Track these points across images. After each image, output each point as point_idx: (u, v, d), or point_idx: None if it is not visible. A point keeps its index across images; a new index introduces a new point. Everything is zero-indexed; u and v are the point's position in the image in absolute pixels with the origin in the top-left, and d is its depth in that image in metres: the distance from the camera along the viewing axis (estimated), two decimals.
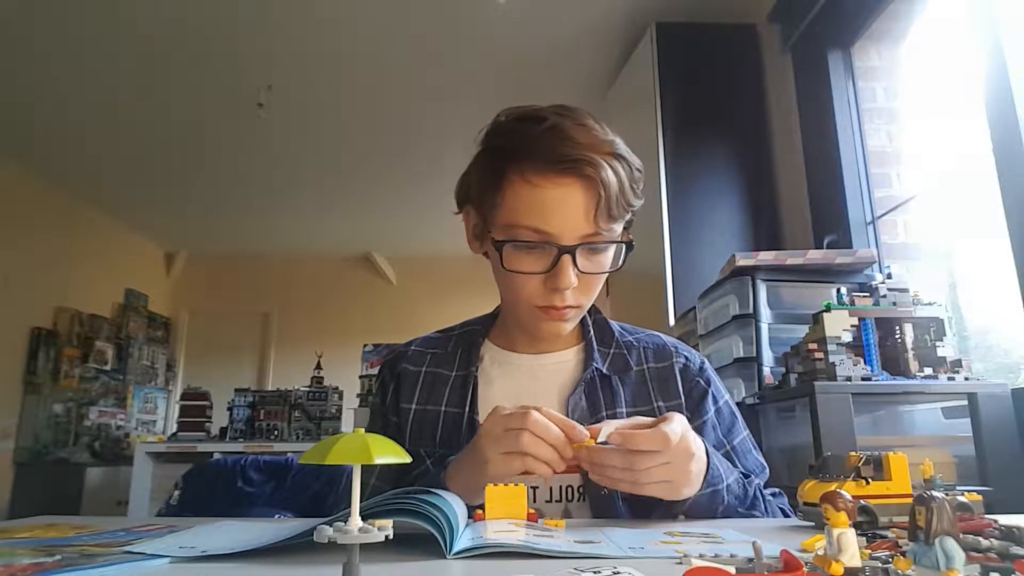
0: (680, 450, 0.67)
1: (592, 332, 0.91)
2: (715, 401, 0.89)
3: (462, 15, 2.87)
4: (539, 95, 3.21)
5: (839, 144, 2.08)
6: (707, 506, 0.73)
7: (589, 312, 0.92)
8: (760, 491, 0.81)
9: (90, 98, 3.51)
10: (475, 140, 0.83)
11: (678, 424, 0.68)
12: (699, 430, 0.86)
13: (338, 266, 6.22)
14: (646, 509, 0.77)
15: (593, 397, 0.85)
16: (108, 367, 5.08)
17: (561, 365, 0.89)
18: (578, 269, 0.77)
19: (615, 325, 0.95)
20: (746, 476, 0.81)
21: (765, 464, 0.89)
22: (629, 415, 0.83)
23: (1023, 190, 1.39)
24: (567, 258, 0.75)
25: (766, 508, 0.80)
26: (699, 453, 0.70)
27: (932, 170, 2.00)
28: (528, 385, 0.88)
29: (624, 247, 0.82)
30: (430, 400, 0.88)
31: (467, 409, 0.85)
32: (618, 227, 0.80)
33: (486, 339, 0.94)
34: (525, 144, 0.75)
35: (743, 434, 0.89)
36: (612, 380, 0.87)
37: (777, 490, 0.87)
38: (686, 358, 0.91)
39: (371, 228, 5.55)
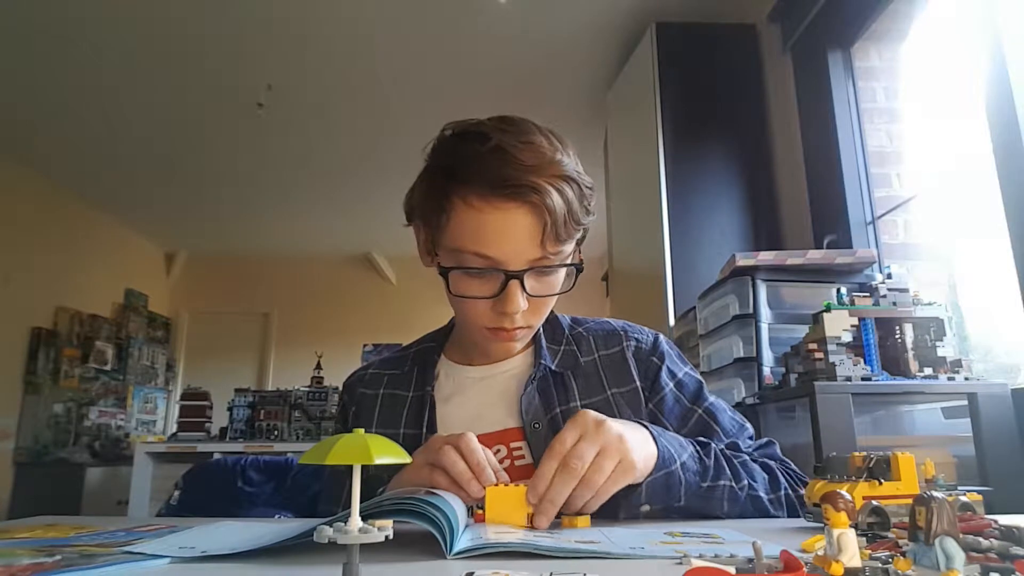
0: (590, 427, 0.66)
1: (542, 331, 0.91)
2: (673, 375, 0.89)
3: (462, 15, 2.87)
4: (539, 95, 3.21)
5: (839, 144, 2.08)
6: (663, 490, 0.70)
7: None
8: (722, 454, 0.77)
9: (90, 98, 3.51)
10: (422, 153, 0.81)
11: (568, 428, 0.67)
12: (659, 406, 0.86)
13: (338, 266, 6.22)
14: (610, 508, 0.75)
15: (546, 394, 0.85)
16: (108, 367, 5.08)
17: (513, 371, 0.89)
18: (527, 293, 0.75)
19: (565, 319, 0.94)
20: (703, 446, 0.77)
21: (744, 421, 0.88)
22: (584, 407, 0.82)
23: (1023, 190, 1.39)
24: (515, 283, 0.74)
25: (742, 471, 0.75)
26: (633, 438, 0.68)
27: (932, 170, 2.00)
28: (483, 396, 0.88)
29: (575, 269, 0.80)
30: (389, 423, 0.88)
31: (424, 430, 0.85)
32: (568, 247, 0.77)
33: (441, 355, 0.94)
34: (467, 166, 0.73)
35: (712, 398, 0.88)
36: (564, 376, 0.87)
37: (766, 439, 0.86)
38: (637, 340, 0.91)
39: (371, 228, 5.55)
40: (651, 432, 0.71)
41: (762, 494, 0.76)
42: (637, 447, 0.67)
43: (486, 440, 0.83)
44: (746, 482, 0.75)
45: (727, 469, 0.75)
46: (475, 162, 0.72)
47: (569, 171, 0.74)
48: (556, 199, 0.72)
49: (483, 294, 0.76)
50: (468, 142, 0.75)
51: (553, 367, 0.87)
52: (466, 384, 0.90)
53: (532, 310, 0.78)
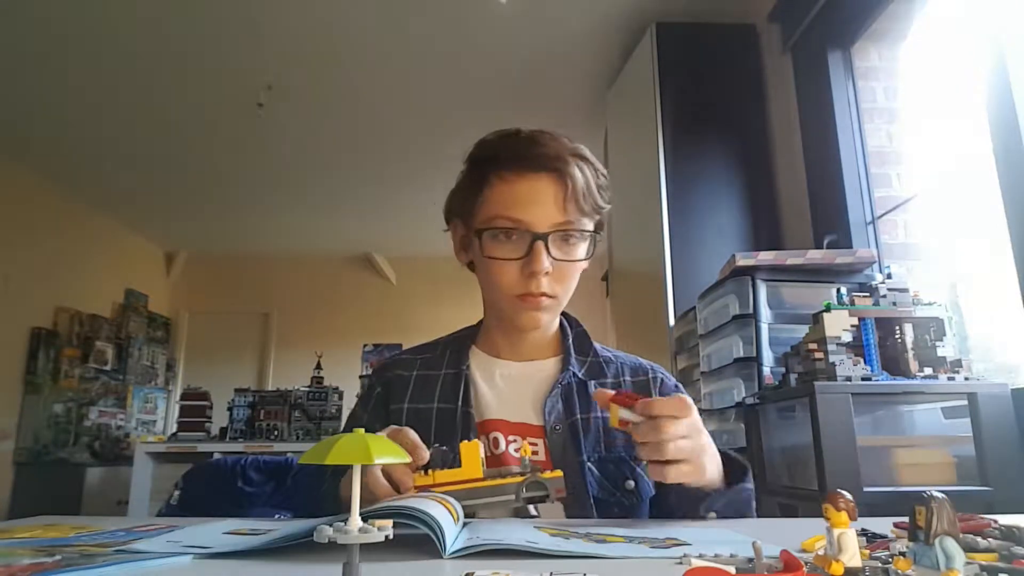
0: (694, 426, 0.70)
1: (571, 341, 0.96)
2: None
3: (463, 15, 2.87)
4: (539, 95, 3.20)
5: (839, 144, 2.08)
6: (738, 500, 0.76)
7: (570, 324, 0.98)
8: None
9: (90, 98, 3.51)
10: (463, 159, 0.91)
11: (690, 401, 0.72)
12: None
13: (338, 266, 6.22)
14: (624, 511, 0.78)
15: (569, 401, 0.89)
16: (108, 367, 5.08)
17: (541, 373, 0.93)
18: (552, 256, 0.83)
19: (597, 344, 0.99)
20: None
21: None
22: (605, 420, 0.86)
23: (1023, 190, 1.39)
24: (540, 244, 0.82)
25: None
26: (710, 441, 0.73)
27: (932, 170, 2.00)
28: (509, 390, 0.91)
29: (592, 239, 0.89)
30: (422, 399, 0.91)
31: (460, 403, 0.88)
32: (588, 223, 0.87)
33: (473, 345, 0.97)
34: (503, 151, 0.86)
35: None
36: (588, 386, 0.90)
37: None
38: (663, 377, 0.97)
39: (371, 228, 5.55)
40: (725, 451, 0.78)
41: None
42: (712, 465, 0.73)
43: (507, 426, 0.87)
44: None
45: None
46: (509, 147, 0.86)
47: (587, 154, 0.87)
48: (576, 171, 0.84)
49: (512, 256, 0.84)
50: (503, 137, 0.88)
51: (580, 375, 0.91)
52: (494, 375, 0.93)
53: (556, 277, 0.85)
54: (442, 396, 0.90)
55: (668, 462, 0.67)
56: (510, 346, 0.94)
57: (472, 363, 0.94)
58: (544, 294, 0.84)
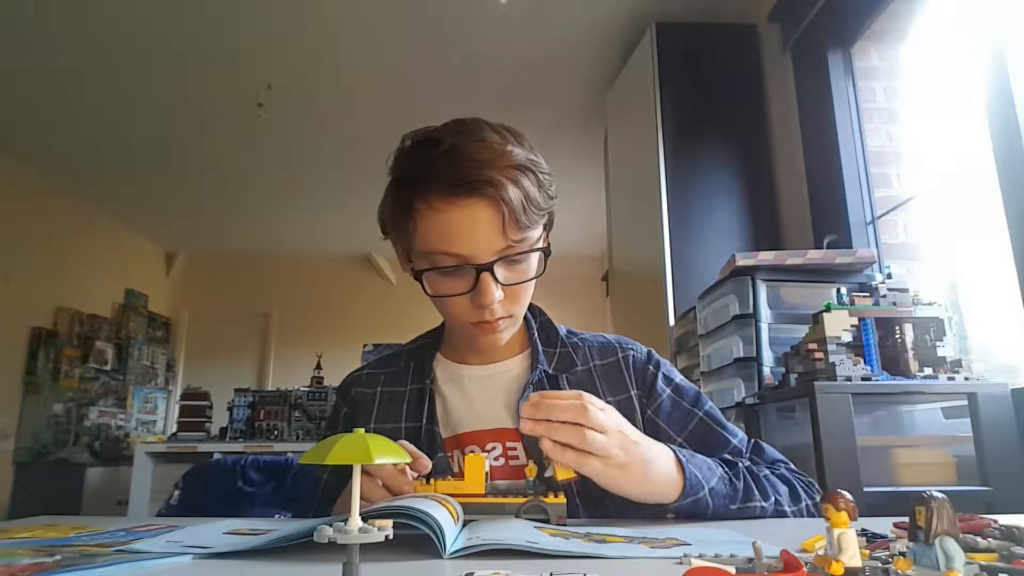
0: (610, 424, 0.67)
1: (537, 335, 0.92)
2: (669, 381, 0.89)
3: (462, 15, 2.87)
4: (539, 95, 3.20)
5: (839, 144, 2.08)
6: (690, 510, 0.72)
7: (534, 315, 0.94)
8: (749, 472, 0.78)
9: (90, 98, 3.51)
10: (385, 166, 0.83)
11: (603, 405, 0.69)
12: (657, 412, 0.86)
13: (338, 266, 6.22)
14: (635, 509, 0.76)
15: None
16: (108, 367, 5.08)
17: (510, 373, 0.90)
18: (500, 283, 0.77)
19: (561, 328, 0.95)
20: (732, 466, 0.78)
21: (735, 428, 0.88)
22: None
23: (1023, 190, 1.39)
24: (486, 276, 0.76)
25: (768, 487, 0.77)
26: (649, 452, 0.70)
27: (932, 170, 2.00)
28: (478, 395, 0.88)
29: (543, 253, 0.82)
30: (388, 418, 0.88)
31: (424, 422, 0.85)
32: (534, 233, 0.79)
33: (437, 352, 0.95)
34: (426, 171, 0.76)
35: (710, 403, 0.89)
36: (559, 380, 0.87)
37: (753, 441, 0.86)
38: (633, 351, 0.92)
39: (371, 228, 5.39)
40: (679, 458, 0.72)
41: (787, 508, 0.77)
42: (644, 476, 0.69)
43: (484, 436, 0.84)
44: (773, 499, 0.76)
45: (755, 489, 0.76)
46: (432, 166, 0.75)
47: (521, 160, 0.76)
48: (511, 190, 0.74)
49: (459, 291, 0.78)
50: (424, 148, 0.78)
51: (550, 370, 0.88)
52: (462, 382, 0.90)
53: (510, 299, 0.80)
54: (409, 414, 0.87)
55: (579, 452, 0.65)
56: (475, 351, 0.91)
57: (438, 373, 0.91)
58: (500, 318, 0.80)
